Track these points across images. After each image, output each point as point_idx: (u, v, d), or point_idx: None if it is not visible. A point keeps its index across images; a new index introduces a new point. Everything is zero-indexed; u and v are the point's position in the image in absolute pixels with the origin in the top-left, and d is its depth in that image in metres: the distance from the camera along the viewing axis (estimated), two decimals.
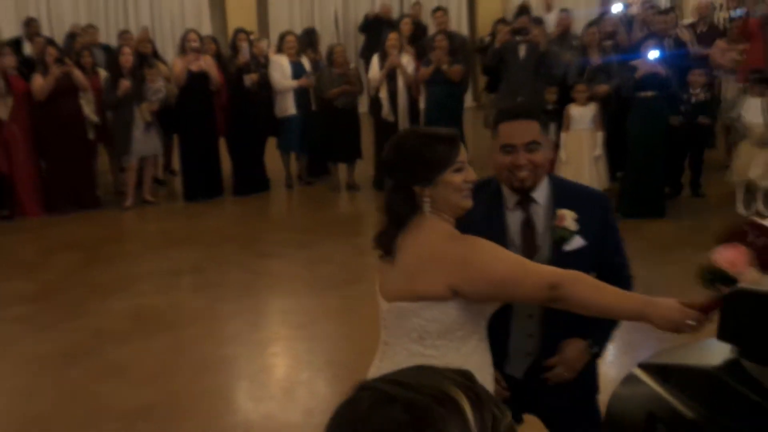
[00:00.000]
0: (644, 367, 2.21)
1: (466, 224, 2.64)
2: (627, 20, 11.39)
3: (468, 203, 2.62)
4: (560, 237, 2.84)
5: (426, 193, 2.55)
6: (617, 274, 2.86)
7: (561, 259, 2.77)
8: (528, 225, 2.90)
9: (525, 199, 2.90)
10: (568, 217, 2.85)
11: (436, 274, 2.51)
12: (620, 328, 4.96)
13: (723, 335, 1.98)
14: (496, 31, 10.59)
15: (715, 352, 2.03)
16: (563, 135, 8.69)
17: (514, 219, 2.91)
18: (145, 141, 9.58)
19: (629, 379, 2.24)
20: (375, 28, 13.43)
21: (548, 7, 13.22)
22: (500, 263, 2.49)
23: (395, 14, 14.91)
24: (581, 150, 8.66)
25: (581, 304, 2.46)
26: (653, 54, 8.30)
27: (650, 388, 2.12)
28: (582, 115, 8.71)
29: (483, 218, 2.85)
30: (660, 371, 2.12)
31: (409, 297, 2.57)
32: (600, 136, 8.78)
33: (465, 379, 1.20)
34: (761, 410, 1.79)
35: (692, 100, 8.84)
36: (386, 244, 2.63)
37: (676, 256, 7.35)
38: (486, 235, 2.60)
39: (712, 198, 9.25)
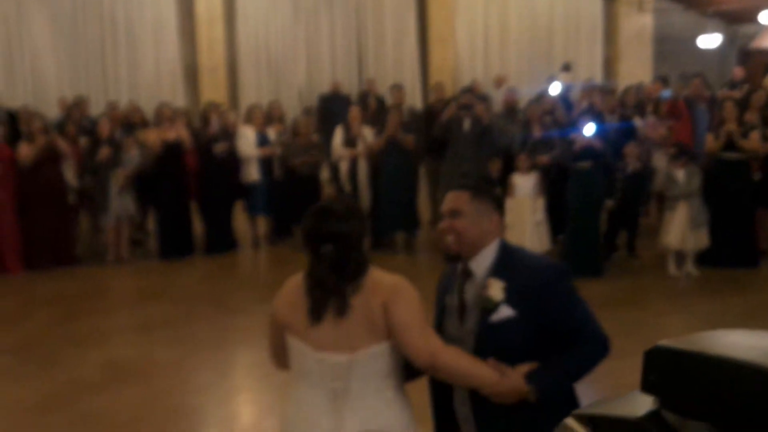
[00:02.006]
0: (577, 417, 2.26)
1: (440, 285, 2.90)
2: (565, 99, 11.72)
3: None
4: (484, 306, 2.74)
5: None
6: (573, 340, 2.74)
7: (486, 329, 2.72)
8: (460, 294, 2.86)
9: (464, 269, 2.85)
10: (495, 286, 2.73)
11: (379, 317, 2.65)
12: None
13: (645, 387, 2.04)
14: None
15: (640, 403, 2.07)
16: (507, 201, 8.81)
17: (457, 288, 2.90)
18: (120, 203, 9.59)
19: (561, 429, 2.28)
20: (329, 104, 13.66)
21: (498, 84, 13.51)
22: (415, 308, 2.64)
23: (353, 90, 15.15)
24: (523, 215, 8.78)
25: (451, 376, 2.65)
26: (589, 128, 8.50)
27: None
28: (524, 183, 8.86)
29: (447, 282, 2.95)
30: (590, 421, 2.16)
31: (372, 342, 2.68)
32: (541, 202, 8.93)
33: None
34: None
35: (628, 170, 9.04)
36: (339, 304, 2.70)
37: (610, 314, 7.44)
38: (440, 297, 2.81)
39: (646, 259, 9.41)
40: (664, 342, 2.02)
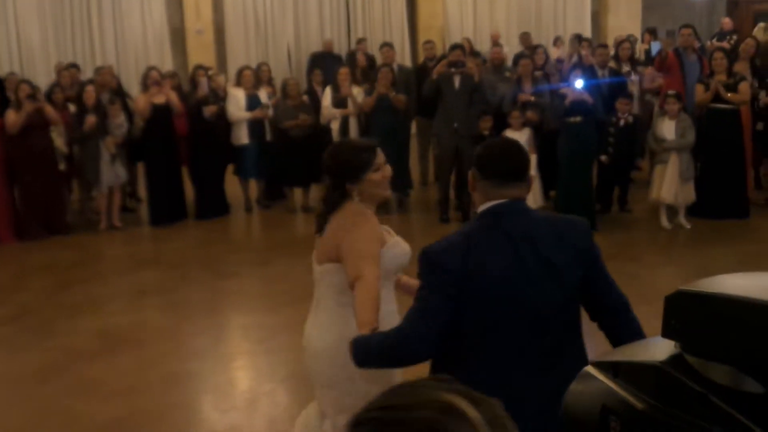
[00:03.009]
0: (596, 364, 2.26)
1: None
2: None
3: (386, 193, 3.27)
4: None
5: (355, 188, 3.13)
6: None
7: None
8: None
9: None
10: None
11: (335, 239, 3.09)
12: None
13: (666, 333, 2.03)
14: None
15: (660, 348, 2.07)
16: None
17: None
18: (111, 172, 9.47)
19: (583, 377, 2.28)
20: (321, 63, 13.49)
21: (495, 41, 13.37)
22: (367, 237, 3.05)
23: (342, 49, 14.99)
24: None
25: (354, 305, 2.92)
26: (579, 83, 8.40)
27: (602, 383, 2.16)
28: (517, 139, 8.75)
29: None
30: (611, 367, 2.17)
31: (326, 260, 3.14)
32: (533, 158, 8.85)
33: (450, 383, 1.13)
34: (704, 400, 1.85)
35: (620, 124, 8.96)
36: (320, 224, 3.22)
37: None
38: None
39: (639, 213, 9.38)
40: (685, 286, 2.00)
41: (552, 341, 2.62)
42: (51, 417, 4.93)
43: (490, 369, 2.57)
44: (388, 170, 3.22)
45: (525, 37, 13.35)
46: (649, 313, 3.02)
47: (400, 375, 3.14)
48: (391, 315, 3.12)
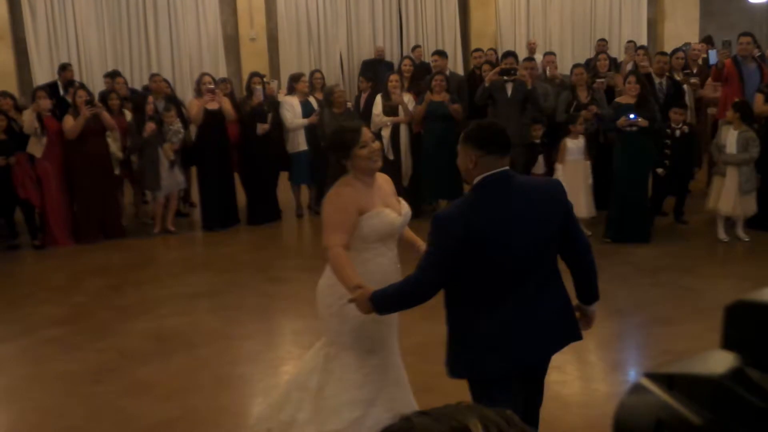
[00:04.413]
0: (650, 376, 2.17)
1: None
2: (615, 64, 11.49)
3: (375, 165, 3.83)
4: None
5: (347, 163, 3.81)
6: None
7: None
8: None
9: None
10: None
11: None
12: (608, 347, 5.00)
13: (726, 344, 1.95)
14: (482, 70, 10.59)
15: (719, 361, 1.98)
16: (558, 166, 8.65)
17: None
18: (170, 178, 9.65)
19: (636, 389, 2.19)
20: (372, 70, 13.54)
21: (531, 50, 13.26)
22: (331, 210, 3.75)
23: (395, 57, 15.02)
24: (577, 179, 8.62)
25: (332, 268, 3.70)
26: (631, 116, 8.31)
27: (657, 396, 2.06)
28: (575, 146, 8.70)
29: None
30: (666, 380, 2.07)
31: None
32: (588, 165, 8.78)
33: (501, 418, 1.17)
34: (766, 416, 1.76)
35: (677, 134, 8.82)
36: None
37: (659, 279, 7.32)
38: None
39: (695, 224, 9.21)
40: (746, 296, 1.92)
41: (537, 277, 3.29)
42: (104, 417, 5.01)
43: (488, 303, 3.26)
44: (376, 146, 3.86)
45: (601, 45, 13.06)
46: (705, 327, 2.98)
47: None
48: (381, 267, 3.86)
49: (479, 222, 3.17)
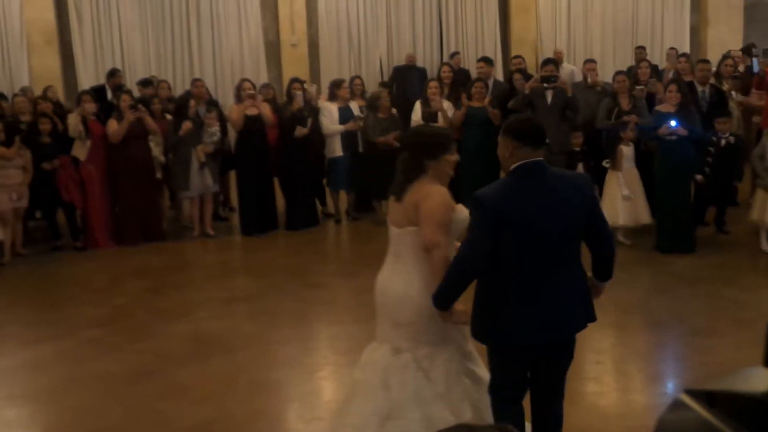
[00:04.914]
0: (690, 393, 2.12)
1: None
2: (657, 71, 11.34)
3: (452, 174, 3.91)
4: None
5: (432, 165, 3.80)
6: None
7: None
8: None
9: None
10: None
11: (415, 207, 3.75)
12: (647, 358, 4.94)
13: None
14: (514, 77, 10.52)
15: (762, 378, 1.94)
16: (618, 174, 8.58)
17: None
18: (200, 179, 9.71)
19: (676, 405, 2.15)
20: (404, 76, 13.53)
21: (558, 59, 13.15)
22: (439, 207, 3.71)
23: (435, 63, 14.98)
24: (634, 185, 8.60)
25: (431, 267, 3.70)
26: (672, 124, 8.19)
27: (698, 413, 2.02)
28: (629, 153, 8.65)
29: None
30: (706, 397, 2.03)
31: (406, 224, 3.82)
32: (636, 173, 8.74)
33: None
34: None
35: (722, 143, 8.68)
36: (399, 192, 3.87)
37: (700, 290, 7.21)
38: None
39: (738, 235, 9.05)
40: None
41: (561, 257, 3.57)
42: (141, 418, 5.05)
43: (518, 277, 3.53)
44: (456, 156, 3.95)
45: (640, 52, 12.91)
46: (746, 339, 2.92)
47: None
48: None
49: (514, 199, 3.49)
